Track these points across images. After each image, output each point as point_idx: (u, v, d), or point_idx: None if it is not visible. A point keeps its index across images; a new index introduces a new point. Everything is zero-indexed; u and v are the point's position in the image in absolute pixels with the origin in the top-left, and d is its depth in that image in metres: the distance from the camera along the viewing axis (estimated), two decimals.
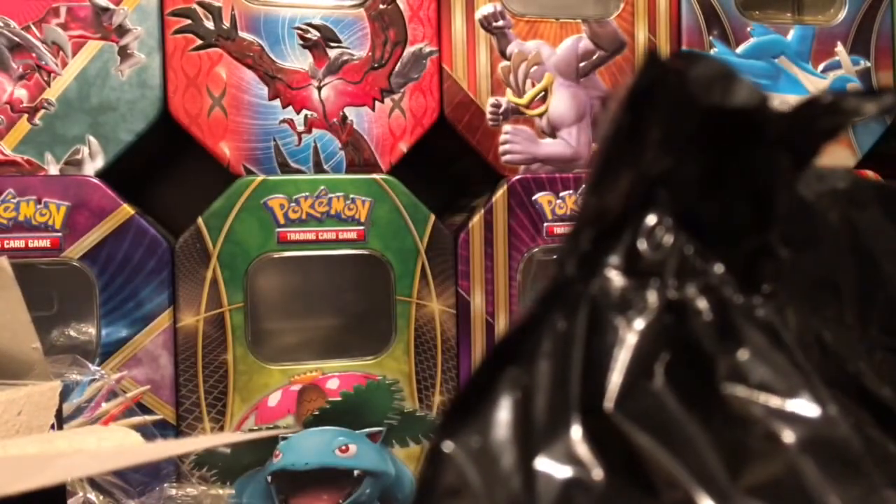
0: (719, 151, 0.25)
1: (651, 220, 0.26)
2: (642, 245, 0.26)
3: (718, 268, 0.26)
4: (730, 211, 0.26)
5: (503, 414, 0.25)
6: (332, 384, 1.15)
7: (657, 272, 0.26)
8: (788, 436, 0.24)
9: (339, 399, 1.14)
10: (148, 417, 1.02)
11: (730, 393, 0.25)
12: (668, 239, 0.26)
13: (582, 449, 0.24)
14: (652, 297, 0.26)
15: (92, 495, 0.79)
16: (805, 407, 0.25)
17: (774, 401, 0.25)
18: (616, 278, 0.26)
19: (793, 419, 0.24)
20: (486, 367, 0.25)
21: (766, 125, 0.24)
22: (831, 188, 0.28)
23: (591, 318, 0.25)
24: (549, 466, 0.24)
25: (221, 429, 1.10)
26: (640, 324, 0.25)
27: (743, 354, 0.25)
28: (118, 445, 0.49)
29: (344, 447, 1.13)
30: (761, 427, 0.24)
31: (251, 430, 1.11)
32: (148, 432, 0.95)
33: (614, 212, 0.25)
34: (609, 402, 0.24)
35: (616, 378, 0.25)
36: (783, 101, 0.25)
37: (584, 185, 0.29)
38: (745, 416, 0.24)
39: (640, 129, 0.24)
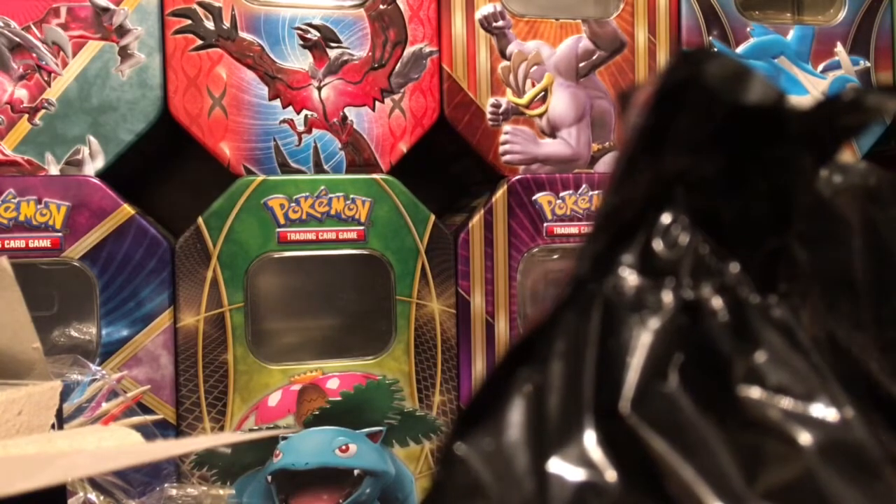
0: (738, 150, 0.24)
1: (666, 218, 0.25)
2: (657, 244, 0.25)
3: (734, 267, 0.26)
4: (747, 210, 0.25)
5: (516, 415, 0.24)
6: (332, 384, 1.14)
7: (672, 271, 0.25)
8: (805, 439, 0.24)
9: (339, 399, 1.14)
10: (148, 417, 1.02)
11: (746, 395, 0.24)
12: (684, 238, 0.25)
13: (595, 451, 0.24)
14: (667, 296, 0.25)
15: (92, 495, 0.78)
16: (822, 410, 0.24)
17: (791, 404, 0.24)
18: (630, 277, 0.25)
19: (810, 422, 0.24)
20: (500, 368, 0.25)
21: (785, 123, 0.24)
22: (851, 184, 0.27)
23: (604, 317, 0.25)
24: (563, 469, 0.24)
25: (221, 429, 1.10)
26: (654, 324, 0.25)
27: (759, 356, 0.25)
28: (118, 445, 0.48)
29: (344, 447, 1.13)
30: (778, 430, 0.24)
31: (251, 430, 1.11)
32: (148, 432, 0.95)
33: (631, 211, 0.25)
34: (623, 404, 0.24)
35: (630, 379, 0.24)
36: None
37: (604, 186, 0.29)
38: (761, 419, 0.24)
39: (662, 129, 0.24)
